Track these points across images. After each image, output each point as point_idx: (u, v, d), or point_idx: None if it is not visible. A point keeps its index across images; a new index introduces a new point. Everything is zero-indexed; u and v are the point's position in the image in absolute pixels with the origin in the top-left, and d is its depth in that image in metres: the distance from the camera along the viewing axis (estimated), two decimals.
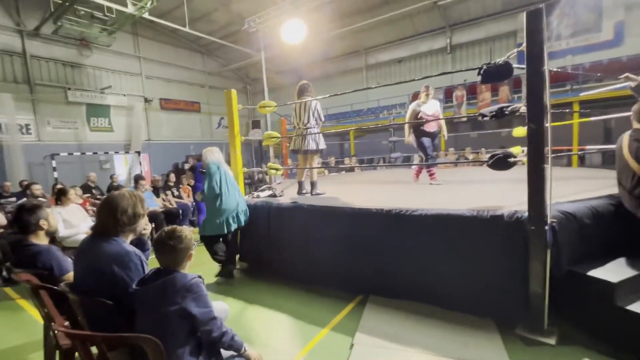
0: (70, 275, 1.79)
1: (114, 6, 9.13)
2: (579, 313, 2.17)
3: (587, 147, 6.37)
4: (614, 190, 2.77)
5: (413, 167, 4.63)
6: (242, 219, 3.51)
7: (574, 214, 2.25)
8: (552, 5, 10.74)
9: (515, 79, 9.60)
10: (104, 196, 2.20)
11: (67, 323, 1.71)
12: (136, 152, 12.56)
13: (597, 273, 2.08)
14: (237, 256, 3.89)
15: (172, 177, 7.50)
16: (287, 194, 4.10)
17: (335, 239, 3.04)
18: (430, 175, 4.59)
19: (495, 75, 2.31)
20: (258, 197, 3.98)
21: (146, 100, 14.29)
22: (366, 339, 2.27)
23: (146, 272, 1.50)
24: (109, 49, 12.11)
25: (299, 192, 4.03)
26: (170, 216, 5.86)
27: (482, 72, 2.31)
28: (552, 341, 2.08)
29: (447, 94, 11.70)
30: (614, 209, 2.47)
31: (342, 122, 14.65)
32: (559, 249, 2.11)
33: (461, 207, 2.52)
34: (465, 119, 11.66)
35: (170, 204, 6.50)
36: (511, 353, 2.03)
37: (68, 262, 1.95)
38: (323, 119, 3.95)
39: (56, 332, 1.69)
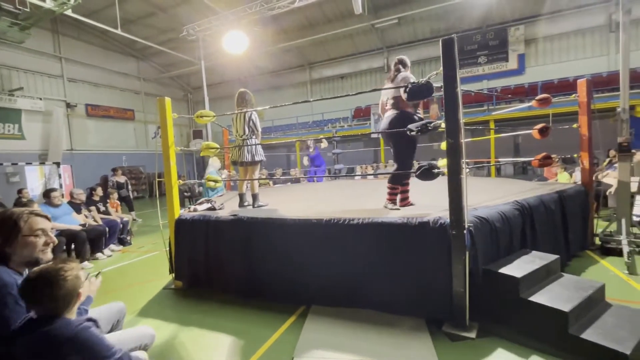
0: None
1: None
2: (494, 307, 2.43)
3: (501, 159, 7.30)
4: (519, 196, 3.21)
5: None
6: None
7: (487, 219, 2.54)
8: (470, 36, 12.29)
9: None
10: None
11: None
12: (55, 163, 11.11)
13: (505, 270, 2.36)
14: (172, 275, 3.66)
15: (99, 190, 6.74)
16: (227, 207, 3.96)
17: (276, 251, 3.01)
18: (402, 199, 3.17)
19: (418, 93, 2.56)
20: (195, 210, 3.78)
21: (68, 106, 12.81)
22: (306, 351, 2.26)
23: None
24: (21, 46, 10.67)
25: (240, 205, 3.93)
26: (95, 234, 5.25)
27: (407, 90, 2.54)
28: (472, 335, 2.29)
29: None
30: (518, 212, 2.85)
31: (288, 133, 14.75)
32: (476, 250, 2.37)
33: (394, 215, 2.69)
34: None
35: (95, 220, 5.83)
36: (439, 350, 2.18)
37: None
38: (259, 130, 3.91)
39: None
